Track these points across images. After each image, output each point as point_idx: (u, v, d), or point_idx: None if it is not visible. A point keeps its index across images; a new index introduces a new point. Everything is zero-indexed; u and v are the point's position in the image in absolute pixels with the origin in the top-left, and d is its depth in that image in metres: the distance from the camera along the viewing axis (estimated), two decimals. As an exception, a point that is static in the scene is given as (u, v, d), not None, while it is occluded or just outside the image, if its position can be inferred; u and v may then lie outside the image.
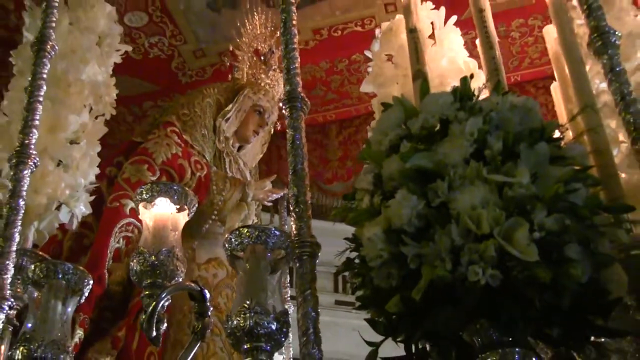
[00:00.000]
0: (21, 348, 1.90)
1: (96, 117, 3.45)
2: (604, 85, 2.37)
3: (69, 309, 2.02)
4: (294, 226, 1.93)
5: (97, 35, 3.60)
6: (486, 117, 1.69)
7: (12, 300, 2.32)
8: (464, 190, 1.59)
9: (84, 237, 3.67)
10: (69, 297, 2.01)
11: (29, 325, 1.98)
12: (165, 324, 2.05)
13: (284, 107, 2.15)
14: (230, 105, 4.44)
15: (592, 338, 1.68)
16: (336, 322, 5.71)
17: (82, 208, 3.24)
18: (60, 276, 2.00)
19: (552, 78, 2.70)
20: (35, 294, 2.03)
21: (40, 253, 2.88)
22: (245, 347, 1.71)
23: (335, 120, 5.50)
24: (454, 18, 2.91)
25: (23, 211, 2.45)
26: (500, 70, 2.34)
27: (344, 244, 1.84)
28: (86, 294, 2.08)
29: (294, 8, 2.33)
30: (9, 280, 2.30)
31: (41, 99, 2.61)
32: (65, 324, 2.01)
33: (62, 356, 1.93)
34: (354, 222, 1.80)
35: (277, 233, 1.86)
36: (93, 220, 3.65)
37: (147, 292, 2.02)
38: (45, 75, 2.66)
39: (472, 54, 2.90)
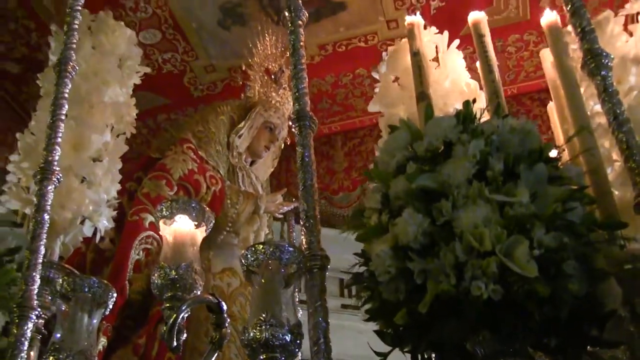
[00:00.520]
0: (51, 358, 1.91)
1: (117, 136, 3.47)
2: (598, 107, 2.37)
3: (95, 321, 2.04)
4: (304, 240, 1.93)
5: (118, 58, 3.63)
6: (487, 140, 1.71)
7: (39, 310, 2.34)
8: (467, 209, 1.60)
9: (106, 249, 3.69)
10: (94, 309, 2.02)
11: (58, 335, 1.99)
12: (185, 334, 2.07)
13: (293, 125, 2.16)
14: (243, 122, 4.47)
15: (588, 348, 1.69)
16: (343, 325, 5.70)
17: (105, 222, 3.26)
18: (86, 290, 2.02)
19: (547, 91, 2.70)
20: (64, 307, 2.04)
21: (66, 265, 2.90)
22: (261, 357, 1.73)
23: (340, 131, 5.53)
24: (456, 42, 2.92)
25: (48, 225, 2.46)
26: (500, 93, 2.35)
27: (349, 250, 1.86)
28: (110, 306, 2.09)
29: (301, 30, 2.34)
30: (35, 291, 2.31)
31: (63, 117, 2.62)
32: (91, 335, 2.02)
33: (88, 365, 1.96)
34: (363, 239, 1.82)
35: (291, 249, 1.87)
36: (115, 233, 3.67)
37: (167, 305, 2.02)
38: (67, 95, 2.67)
39: (471, 67, 2.91)
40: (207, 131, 4.34)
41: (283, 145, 4.73)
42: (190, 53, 4.77)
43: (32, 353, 2.49)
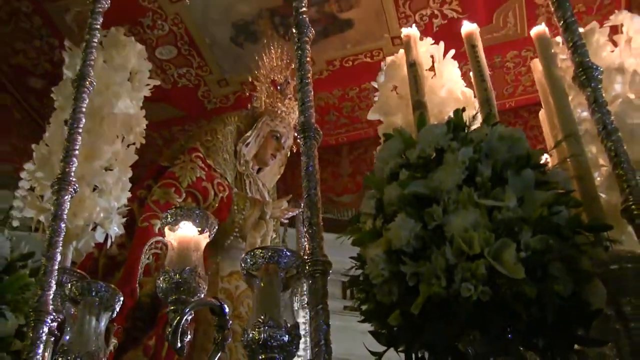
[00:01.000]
0: (60, 359, 1.92)
1: (128, 146, 3.48)
2: (585, 114, 2.38)
3: (102, 323, 2.03)
4: (307, 246, 1.93)
5: (129, 71, 3.64)
6: (477, 147, 1.72)
7: (54, 313, 2.34)
8: (457, 214, 1.61)
9: (116, 254, 3.70)
10: (102, 312, 2.02)
11: (67, 337, 2.00)
12: (190, 336, 2.06)
13: (298, 136, 2.16)
14: (250, 132, 4.48)
15: (576, 346, 1.69)
16: (347, 326, 5.68)
17: (116, 229, 3.28)
18: (94, 294, 2.02)
19: (542, 104, 2.71)
20: (72, 310, 2.05)
21: (79, 271, 2.90)
22: (260, 357, 1.72)
23: (347, 142, 5.54)
24: (452, 52, 2.92)
25: (64, 233, 2.47)
26: (491, 101, 2.34)
27: (351, 253, 1.86)
28: (117, 310, 2.09)
29: (308, 46, 2.34)
30: (51, 297, 2.31)
31: (80, 130, 2.63)
32: (99, 337, 2.02)
33: (96, 366, 1.96)
34: (359, 243, 1.82)
35: (289, 254, 1.86)
36: (125, 238, 3.68)
37: (172, 308, 2.02)
38: (84, 109, 2.68)
39: (472, 83, 2.91)
40: (215, 140, 4.34)
41: (289, 153, 4.73)
42: (205, 68, 4.80)
43: (46, 354, 2.49)
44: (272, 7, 4.34)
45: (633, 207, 1.73)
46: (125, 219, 3.38)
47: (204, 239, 2.17)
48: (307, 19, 2.39)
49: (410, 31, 2.77)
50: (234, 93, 5.04)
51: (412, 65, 2.66)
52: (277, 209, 4.28)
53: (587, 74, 1.98)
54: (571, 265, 1.56)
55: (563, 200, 1.65)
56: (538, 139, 3.56)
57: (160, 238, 3.62)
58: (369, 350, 1.78)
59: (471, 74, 2.56)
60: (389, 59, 3.09)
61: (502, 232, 1.56)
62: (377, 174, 1.88)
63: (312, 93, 2.25)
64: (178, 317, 1.95)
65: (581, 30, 2.20)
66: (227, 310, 2.06)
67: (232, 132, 4.46)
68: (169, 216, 2.15)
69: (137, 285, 3.47)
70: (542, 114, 2.68)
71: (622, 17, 2.75)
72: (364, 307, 1.81)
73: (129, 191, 3.45)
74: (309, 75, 2.28)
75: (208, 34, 4.51)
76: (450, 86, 2.87)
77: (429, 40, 2.96)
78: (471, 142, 1.73)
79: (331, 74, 4.87)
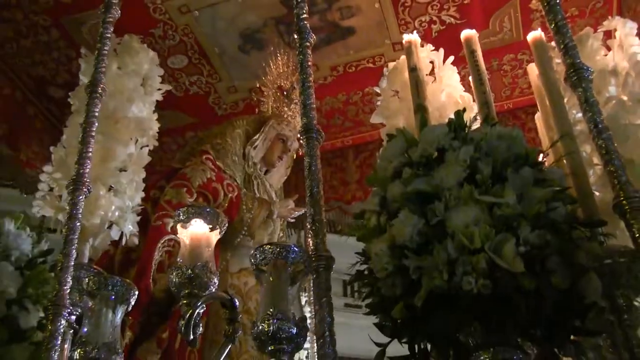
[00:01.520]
0: (78, 350, 1.91)
1: (141, 148, 3.48)
2: (579, 115, 2.37)
3: (118, 316, 2.02)
4: (310, 242, 1.93)
5: (142, 77, 3.64)
6: (477, 146, 1.71)
7: (71, 307, 2.34)
8: (459, 210, 1.60)
9: (131, 251, 3.69)
10: (117, 306, 2.01)
11: (85, 330, 1.99)
12: (202, 328, 2.06)
13: (301, 137, 2.16)
14: (258, 135, 4.49)
15: (572, 337, 1.68)
16: (348, 322, 5.68)
17: (130, 227, 3.28)
18: (110, 288, 2.02)
19: (539, 106, 2.71)
20: (90, 303, 2.04)
21: (95, 267, 2.90)
22: (270, 349, 1.72)
23: (352, 145, 5.55)
24: (451, 58, 2.91)
25: (79, 231, 2.47)
26: (490, 103, 2.34)
27: (353, 255, 1.85)
28: (132, 303, 2.09)
29: (309, 51, 2.34)
30: (68, 291, 2.32)
31: (94, 133, 2.64)
32: (116, 329, 2.01)
33: (113, 357, 1.94)
34: (363, 239, 1.81)
35: (296, 249, 1.86)
36: (140, 237, 3.68)
37: (184, 301, 2.02)
38: (97, 113, 2.68)
39: (470, 86, 2.91)
40: (224, 143, 4.35)
41: (295, 155, 4.73)
42: (214, 76, 4.82)
43: (65, 346, 2.50)
44: (277, 16, 4.35)
45: (624, 202, 1.73)
46: (139, 217, 3.38)
47: (215, 236, 2.16)
48: (308, 24, 2.39)
49: (411, 37, 2.76)
50: (243, 99, 5.07)
51: (413, 70, 2.65)
52: (283, 208, 4.30)
53: (579, 75, 1.98)
54: (568, 259, 1.55)
55: (560, 197, 1.65)
56: (535, 140, 3.55)
57: (172, 236, 3.62)
58: (374, 342, 1.77)
59: (470, 77, 2.55)
60: (390, 64, 3.09)
61: (501, 228, 1.56)
62: (381, 172, 1.87)
63: (314, 96, 2.25)
64: (190, 311, 1.95)
65: (577, 33, 2.20)
66: (237, 303, 2.06)
67: (241, 136, 4.47)
68: (181, 214, 2.15)
69: (151, 281, 3.47)
70: (537, 116, 2.68)
71: (615, 22, 2.76)
72: (368, 301, 1.80)
73: (143, 191, 3.44)
74: (311, 78, 2.28)
75: (217, 43, 4.54)
76: (449, 91, 2.86)
77: (429, 46, 2.96)
78: (472, 142, 1.72)
79: (335, 79, 4.90)
